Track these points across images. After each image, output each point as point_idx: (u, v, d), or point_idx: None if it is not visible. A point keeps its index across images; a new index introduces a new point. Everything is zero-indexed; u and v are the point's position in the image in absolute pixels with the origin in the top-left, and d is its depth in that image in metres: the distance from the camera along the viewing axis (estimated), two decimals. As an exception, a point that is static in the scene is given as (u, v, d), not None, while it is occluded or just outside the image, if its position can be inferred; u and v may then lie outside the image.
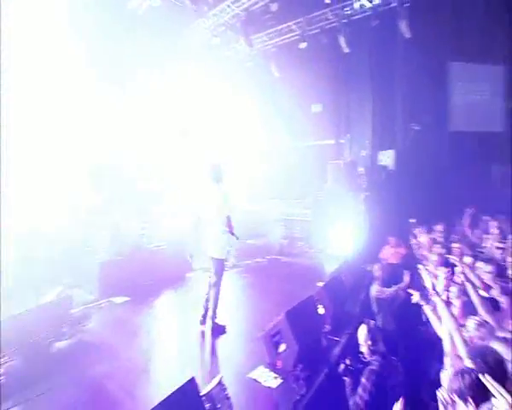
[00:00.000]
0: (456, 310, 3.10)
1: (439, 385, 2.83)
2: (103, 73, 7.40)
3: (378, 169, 9.56)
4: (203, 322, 4.42)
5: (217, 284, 4.30)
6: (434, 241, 5.78)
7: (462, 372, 1.77)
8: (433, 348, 3.20)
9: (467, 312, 3.05)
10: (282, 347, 3.52)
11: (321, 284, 6.02)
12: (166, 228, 7.42)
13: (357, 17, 7.82)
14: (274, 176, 11.21)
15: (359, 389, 2.56)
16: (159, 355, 3.93)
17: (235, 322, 4.59)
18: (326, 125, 11.00)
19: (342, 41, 7.90)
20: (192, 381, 2.17)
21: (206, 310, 4.43)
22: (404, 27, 7.10)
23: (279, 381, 3.25)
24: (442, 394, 2.33)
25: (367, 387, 2.51)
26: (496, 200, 8.98)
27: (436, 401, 3.07)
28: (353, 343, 3.88)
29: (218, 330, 4.33)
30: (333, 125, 11.04)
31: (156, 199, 8.00)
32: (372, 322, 2.90)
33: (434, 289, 2.86)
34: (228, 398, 2.43)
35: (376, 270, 5.28)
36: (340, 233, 8.54)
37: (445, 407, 2.28)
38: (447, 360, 2.73)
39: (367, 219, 8.41)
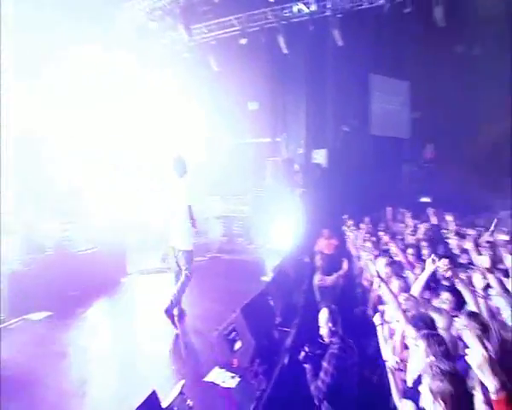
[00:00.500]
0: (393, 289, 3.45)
1: (377, 360, 3.13)
2: (20, 62, 6.24)
3: (313, 167, 10.19)
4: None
5: (189, 275, 4.35)
6: (366, 231, 6.41)
7: (438, 339, 1.96)
8: (370, 328, 3.52)
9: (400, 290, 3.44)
10: (238, 344, 3.44)
11: (265, 278, 6.14)
12: (96, 228, 6.59)
13: (295, 20, 8.14)
14: (213, 173, 10.99)
15: (321, 374, 2.62)
16: (95, 374, 3.44)
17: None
18: (263, 124, 11.24)
19: (281, 41, 8.13)
20: (153, 394, 1.92)
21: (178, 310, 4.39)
22: (336, 36, 7.65)
23: (237, 380, 3.15)
24: (389, 364, 2.57)
25: (329, 370, 2.58)
26: (405, 194, 10.59)
27: (376, 373, 3.36)
28: (304, 332, 4.04)
29: (182, 317, 4.20)
30: (269, 124, 11.34)
31: (83, 196, 7.04)
32: (333, 306, 3.01)
33: (379, 275, 3.11)
34: (190, 408, 2.24)
35: (318, 260, 5.59)
36: (279, 228, 8.83)
37: (393, 374, 2.52)
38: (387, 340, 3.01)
39: (303, 213, 8.85)
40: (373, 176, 10.12)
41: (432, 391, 1.53)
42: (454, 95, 9.58)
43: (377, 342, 3.08)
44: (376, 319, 3.06)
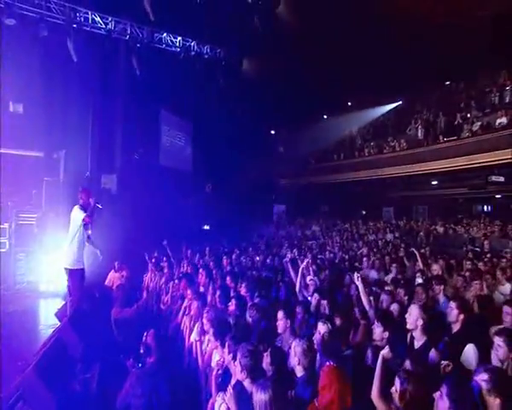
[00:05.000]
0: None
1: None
2: None
3: (101, 192, 9.15)
4: None
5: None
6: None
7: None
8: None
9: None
10: (27, 416, 2.49)
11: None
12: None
13: (87, 29, 7.34)
14: None
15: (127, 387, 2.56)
16: None
17: None
18: (33, 134, 8.96)
19: (70, 46, 7.04)
20: None
21: None
22: (135, 64, 7.63)
23: None
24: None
25: (129, 392, 2.54)
26: (192, 223, 11.93)
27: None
28: (108, 372, 3.53)
29: None
30: (42, 136, 9.21)
31: None
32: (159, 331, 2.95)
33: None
34: None
35: (116, 292, 5.17)
36: (57, 263, 7.20)
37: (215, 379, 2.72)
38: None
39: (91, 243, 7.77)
40: (164, 206, 10.58)
41: (241, 364, 2.24)
42: (227, 145, 12.18)
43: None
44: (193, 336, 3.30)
